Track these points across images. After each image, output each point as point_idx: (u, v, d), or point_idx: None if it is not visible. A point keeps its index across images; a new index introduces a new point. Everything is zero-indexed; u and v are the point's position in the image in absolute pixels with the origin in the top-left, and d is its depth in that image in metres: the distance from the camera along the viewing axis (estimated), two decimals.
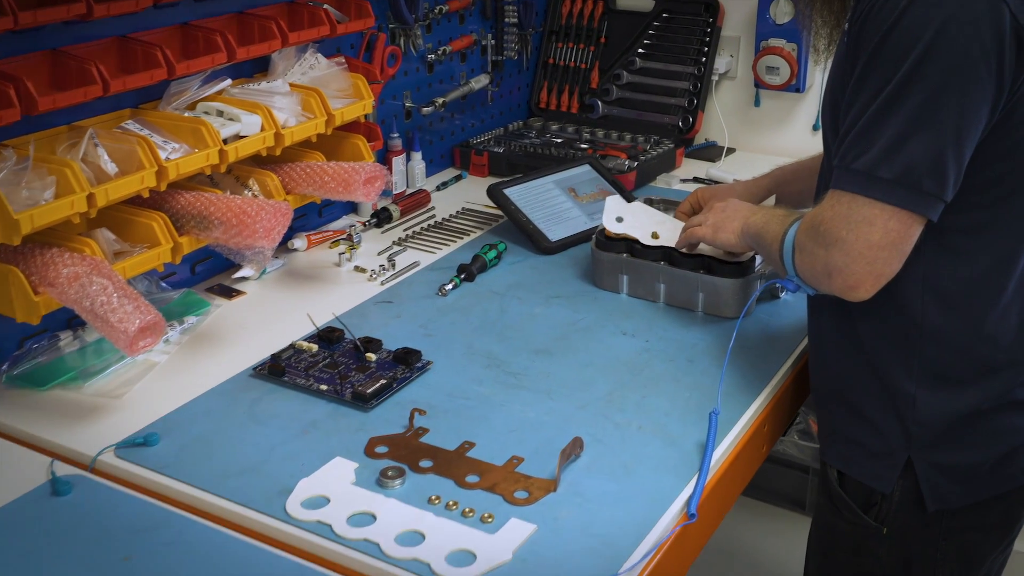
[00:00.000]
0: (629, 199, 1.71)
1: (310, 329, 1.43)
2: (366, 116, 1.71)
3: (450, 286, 1.58)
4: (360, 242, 1.71)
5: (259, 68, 1.65)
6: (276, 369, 1.33)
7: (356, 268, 1.67)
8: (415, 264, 1.68)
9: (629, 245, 1.56)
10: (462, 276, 1.61)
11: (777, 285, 1.52)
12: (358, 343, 1.38)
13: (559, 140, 2.23)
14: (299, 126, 1.55)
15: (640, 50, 2.31)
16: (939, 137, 1.05)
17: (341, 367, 1.34)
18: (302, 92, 1.59)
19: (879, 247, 1.08)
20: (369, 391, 1.27)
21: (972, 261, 1.16)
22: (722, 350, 1.38)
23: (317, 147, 1.64)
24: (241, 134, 1.48)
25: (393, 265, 1.66)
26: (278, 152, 1.54)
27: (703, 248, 1.50)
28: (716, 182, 2.06)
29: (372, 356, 1.36)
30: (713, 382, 1.31)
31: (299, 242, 1.73)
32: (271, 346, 1.40)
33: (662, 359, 1.39)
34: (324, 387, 1.29)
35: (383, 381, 1.30)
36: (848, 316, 1.22)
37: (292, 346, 1.39)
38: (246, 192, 1.53)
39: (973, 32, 1.04)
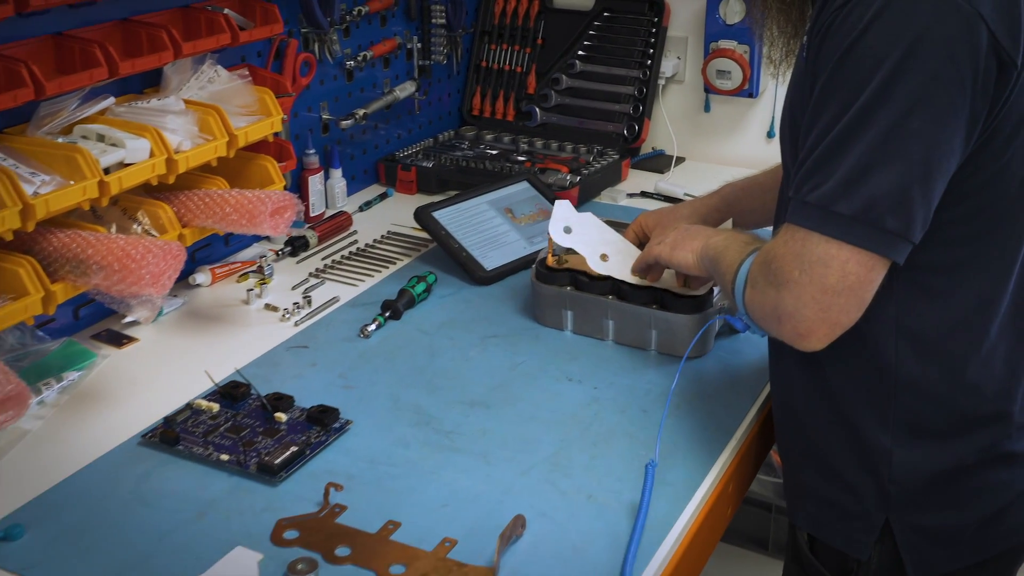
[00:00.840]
0: None
1: (211, 384, 1.26)
2: (276, 133, 1.53)
3: (373, 326, 1.42)
4: (272, 275, 1.54)
5: (150, 83, 1.46)
6: (169, 436, 1.16)
7: (267, 306, 1.49)
8: (334, 299, 1.51)
9: (573, 277, 1.41)
10: (387, 314, 1.45)
11: (729, 323, 1.39)
12: (265, 402, 1.21)
13: (494, 152, 2.07)
14: (195, 150, 1.37)
15: (580, 52, 2.16)
16: (906, 169, 0.93)
17: (246, 431, 1.18)
18: (199, 110, 1.40)
19: (835, 292, 0.96)
20: (277, 461, 1.11)
21: (950, 303, 1.05)
22: (680, 397, 1.24)
23: (219, 171, 1.45)
24: (126, 161, 1.29)
25: (309, 302, 1.49)
26: (171, 180, 1.35)
27: (664, 278, 1.36)
28: (667, 197, 1.92)
29: (282, 416, 1.20)
30: (671, 436, 1.17)
31: (202, 276, 1.54)
32: (165, 406, 1.23)
33: (613, 409, 1.24)
34: (225, 457, 1.13)
35: (294, 448, 1.14)
36: (816, 363, 1.10)
37: (189, 406, 1.22)
38: (135, 227, 1.34)
39: (946, 52, 0.92)
